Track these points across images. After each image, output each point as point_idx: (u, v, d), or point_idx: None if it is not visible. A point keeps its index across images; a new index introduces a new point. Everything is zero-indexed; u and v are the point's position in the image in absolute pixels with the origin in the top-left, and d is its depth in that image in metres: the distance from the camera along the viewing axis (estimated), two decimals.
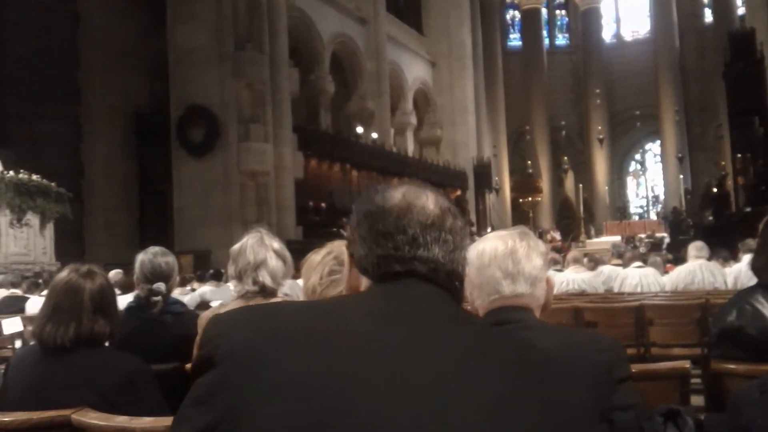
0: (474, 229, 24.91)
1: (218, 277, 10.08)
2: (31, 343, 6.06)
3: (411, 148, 26.97)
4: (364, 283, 1.01)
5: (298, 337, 0.86)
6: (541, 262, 1.69)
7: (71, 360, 2.02)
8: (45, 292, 8.01)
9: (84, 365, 2.02)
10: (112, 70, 17.82)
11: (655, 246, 19.55)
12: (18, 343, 6.13)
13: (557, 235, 27.44)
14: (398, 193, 1.02)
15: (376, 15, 24.30)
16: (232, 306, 2.62)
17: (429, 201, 1.02)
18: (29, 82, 16.41)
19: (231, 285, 8.53)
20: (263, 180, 16.89)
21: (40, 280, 8.63)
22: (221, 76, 16.42)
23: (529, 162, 35.12)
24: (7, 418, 1.85)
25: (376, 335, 0.88)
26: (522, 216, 32.12)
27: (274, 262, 2.59)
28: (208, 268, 11.64)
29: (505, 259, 1.66)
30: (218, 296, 7.68)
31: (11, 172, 11.04)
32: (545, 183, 35.54)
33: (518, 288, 1.65)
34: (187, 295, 7.91)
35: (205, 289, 8.69)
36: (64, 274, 2.15)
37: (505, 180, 34.19)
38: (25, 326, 6.65)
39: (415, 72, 28.30)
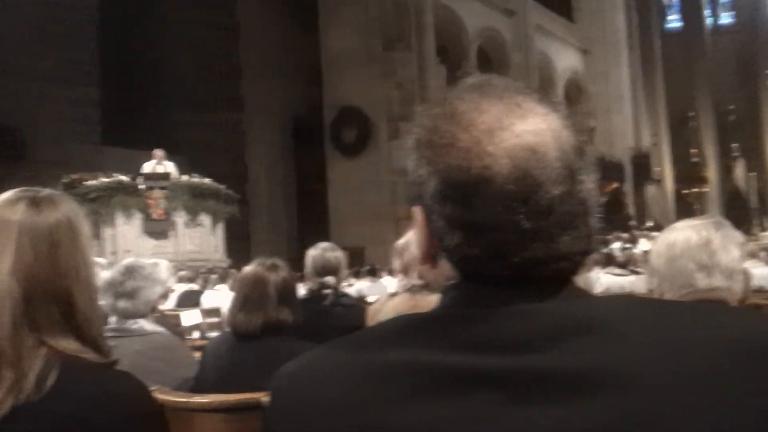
0: (633, 223, 23.76)
1: (374, 273, 10.35)
2: (209, 334, 6.51)
3: None
4: (447, 266, 0.71)
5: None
6: (739, 253, 1.58)
7: (260, 346, 2.18)
8: (218, 287, 8.60)
9: (272, 351, 2.15)
10: (270, 77, 18.81)
11: None
12: (196, 334, 6.61)
13: None
14: (503, 156, 0.64)
15: (524, 5, 23.83)
16: (399, 300, 2.68)
17: (551, 160, 0.65)
18: (198, 94, 17.82)
19: (389, 280, 8.65)
20: None
21: (214, 276, 9.25)
22: (371, 77, 16.86)
23: (694, 150, 32.97)
24: (204, 399, 2.01)
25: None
26: (686, 208, 30.18)
27: None
28: (362, 265, 11.98)
29: (698, 251, 1.57)
30: (374, 292, 7.87)
31: (185, 177, 11.96)
32: (712, 172, 33.19)
33: (714, 281, 1.55)
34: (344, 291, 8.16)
35: (361, 285, 8.94)
36: (251, 267, 2.31)
37: (666, 170, 32.32)
38: (201, 318, 7.16)
39: (565, 61, 27.45)
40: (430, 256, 0.72)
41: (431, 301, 2.60)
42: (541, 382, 0.59)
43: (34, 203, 1.11)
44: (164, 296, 2.71)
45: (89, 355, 1.09)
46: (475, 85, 0.70)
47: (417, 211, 0.72)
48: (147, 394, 1.14)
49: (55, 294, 1.08)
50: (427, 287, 2.59)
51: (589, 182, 0.68)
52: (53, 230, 1.10)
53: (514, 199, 0.64)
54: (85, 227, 1.16)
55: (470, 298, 0.68)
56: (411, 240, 2.62)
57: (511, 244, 0.65)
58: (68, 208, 1.15)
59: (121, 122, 17.73)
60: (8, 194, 1.14)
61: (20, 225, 1.08)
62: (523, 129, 0.66)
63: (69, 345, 1.08)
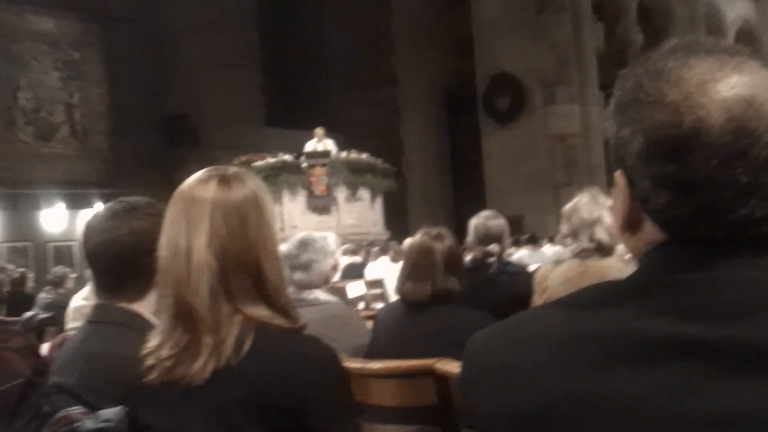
0: None
1: (534, 241, 10.17)
2: (373, 305, 6.69)
3: None
4: (650, 229, 0.68)
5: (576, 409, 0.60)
6: None
7: (430, 314, 2.22)
8: (380, 259, 8.82)
9: (441, 319, 2.19)
10: (422, 50, 18.85)
11: None
12: (361, 305, 6.84)
13: None
14: (718, 108, 0.61)
15: None
16: (568, 266, 2.62)
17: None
18: (353, 72, 18.33)
19: (550, 248, 8.45)
20: (571, 142, 16.61)
21: (375, 249, 9.51)
22: (524, 42, 16.44)
23: None
24: (378, 365, 2.09)
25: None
26: None
27: (609, 219, 2.53)
28: (521, 233, 11.81)
29: None
30: (535, 260, 7.73)
31: (344, 153, 12.34)
32: None
33: None
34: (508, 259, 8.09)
35: (522, 254, 8.82)
36: (417, 237, 2.36)
37: None
38: (365, 290, 7.39)
39: (736, 9, 25.13)
40: (630, 222, 0.71)
41: (601, 266, 2.51)
42: (749, 355, 0.56)
43: (224, 181, 1.19)
44: (335, 268, 2.82)
45: (280, 321, 1.16)
46: (679, 45, 0.68)
47: (617, 175, 0.71)
48: (336, 358, 1.19)
49: (246, 265, 1.15)
50: (597, 251, 2.51)
51: None
52: (242, 205, 1.17)
53: (731, 153, 0.61)
54: (269, 202, 1.23)
55: (678, 261, 0.65)
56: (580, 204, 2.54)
57: (726, 201, 0.61)
58: (254, 185, 1.22)
59: (283, 104, 18.60)
60: (199, 174, 1.23)
61: (213, 201, 1.16)
62: (738, 81, 0.62)
63: (261, 312, 1.15)
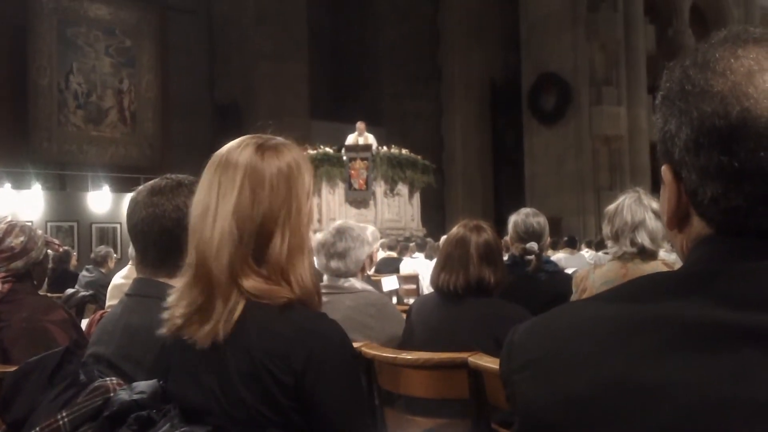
0: None
1: (572, 244, 10.02)
2: (406, 300, 6.65)
3: None
4: (698, 224, 0.67)
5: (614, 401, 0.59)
6: None
7: (465, 306, 2.20)
8: (415, 255, 8.77)
9: (477, 311, 2.18)
10: (469, 45, 18.77)
11: None
12: (394, 299, 6.83)
13: None
14: (765, 98, 0.60)
15: None
16: (609, 267, 2.57)
17: None
18: (400, 65, 18.30)
19: (588, 252, 8.32)
20: (616, 145, 16.35)
21: (411, 244, 9.49)
22: (574, 40, 16.26)
23: None
24: (412, 356, 2.08)
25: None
26: None
27: (653, 222, 2.47)
28: (560, 235, 11.64)
29: None
30: (573, 264, 7.62)
31: (384, 147, 12.33)
32: None
33: None
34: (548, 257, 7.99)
35: (559, 256, 8.69)
36: (455, 229, 2.35)
37: None
38: (399, 284, 7.38)
39: None
40: (678, 217, 0.69)
41: (644, 269, 2.46)
42: None
43: (260, 149, 1.16)
44: (372, 258, 2.82)
45: (285, 293, 1.12)
46: (728, 36, 0.67)
47: (664, 170, 0.69)
48: (345, 336, 1.14)
49: (259, 235, 1.13)
50: (639, 255, 2.46)
51: None
52: (272, 176, 1.14)
53: None
54: (303, 177, 1.18)
55: (731, 252, 0.63)
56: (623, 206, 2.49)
57: None
58: (291, 157, 1.18)
59: (328, 96, 18.66)
60: (240, 139, 1.21)
61: (245, 168, 1.14)
62: None
63: (254, 282, 1.12)
